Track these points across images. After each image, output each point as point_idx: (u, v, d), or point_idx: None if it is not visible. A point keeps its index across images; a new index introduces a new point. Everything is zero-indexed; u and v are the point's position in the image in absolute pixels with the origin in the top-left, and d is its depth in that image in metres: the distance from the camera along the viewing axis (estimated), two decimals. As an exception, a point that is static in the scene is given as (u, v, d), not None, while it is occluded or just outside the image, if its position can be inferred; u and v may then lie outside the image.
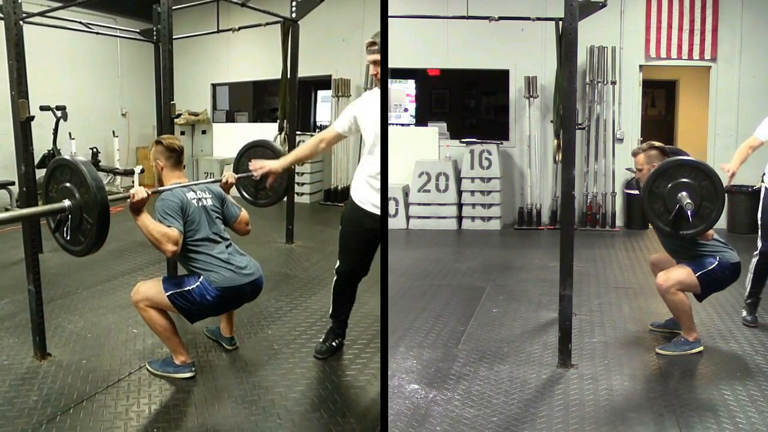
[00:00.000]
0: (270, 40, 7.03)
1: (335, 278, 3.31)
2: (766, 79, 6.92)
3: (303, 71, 6.25)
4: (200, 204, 3.03)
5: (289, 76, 6.14)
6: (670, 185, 3.24)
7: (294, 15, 5.85)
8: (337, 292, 3.34)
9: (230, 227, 3.23)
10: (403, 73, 9.35)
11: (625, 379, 3.15)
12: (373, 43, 2.95)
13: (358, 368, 3.23)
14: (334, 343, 3.37)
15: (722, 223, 7.28)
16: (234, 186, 3.47)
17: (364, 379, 3.13)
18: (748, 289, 3.98)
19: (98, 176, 2.51)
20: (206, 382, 3.05)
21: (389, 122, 8.67)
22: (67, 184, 2.52)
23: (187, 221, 2.92)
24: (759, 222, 3.95)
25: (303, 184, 8.62)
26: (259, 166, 3.14)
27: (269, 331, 3.71)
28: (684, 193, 3.19)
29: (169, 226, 2.81)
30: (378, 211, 3.10)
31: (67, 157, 2.60)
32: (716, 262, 3.40)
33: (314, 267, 5.15)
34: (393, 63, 7.32)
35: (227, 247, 3.05)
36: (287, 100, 6.26)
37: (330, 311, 3.41)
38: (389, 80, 8.77)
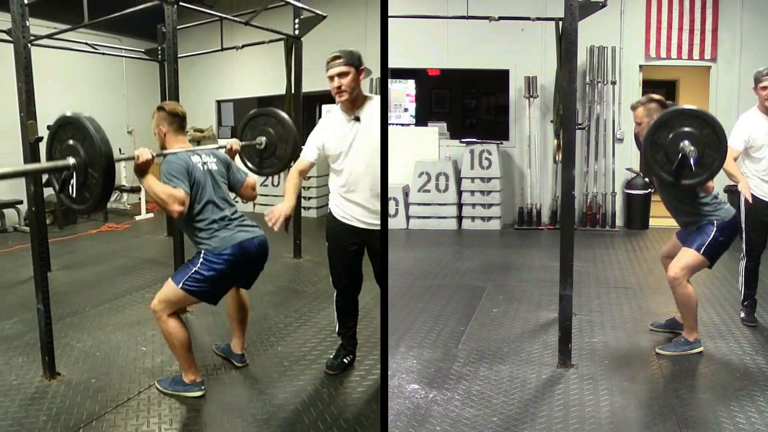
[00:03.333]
0: (274, 57, 7.01)
1: (335, 293, 3.29)
2: (766, 79, 6.91)
3: (307, 86, 6.22)
4: (205, 168, 2.98)
5: (293, 91, 6.14)
6: (671, 135, 3.18)
7: (297, 32, 5.85)
8: (338, 306, 3.30)
9: (237, 193, 3.18)
10: (403, 73, 9.35)
11: (625, 379, 3.15)
12: (336, 57, 2.90)
13: (370, 384, 3.17)
14: (345, 360, 3.32)
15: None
16: (238, 155, 3.41)
17: (377, 395, 3.08)
18: (742, 292, 3.99)
19: (102, 131, 2.45)
20: (216, 400, 2.99)
21: (389, 122, 8.66)
22: (71, 142, 2.46)
23: (193, 184, 2.87)
24: (742, 225, 3.96)
25: (309, 198, 8.53)
26: (274, 218, 2.94)
27: (279, 347, 3.65)
28: (686, 142, 3.13)
29: (175, 187, 2.76)
30: (359, 224, 3.08)
31: (68, 113, 2.51)
32: (715, 228, 3.37)
33: (322, 282, 5.03)
34: (393, 63, 7.33)
35: (233, 213, 3.00)
36: (292, 115, 6.24)
37: (337, 328, 3.35)
38: (389, 80, 8.77)
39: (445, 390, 3.05)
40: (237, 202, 3.26)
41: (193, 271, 2.87)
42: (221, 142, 3.22)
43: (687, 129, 3.16)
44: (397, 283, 5.06)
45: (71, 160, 2.46)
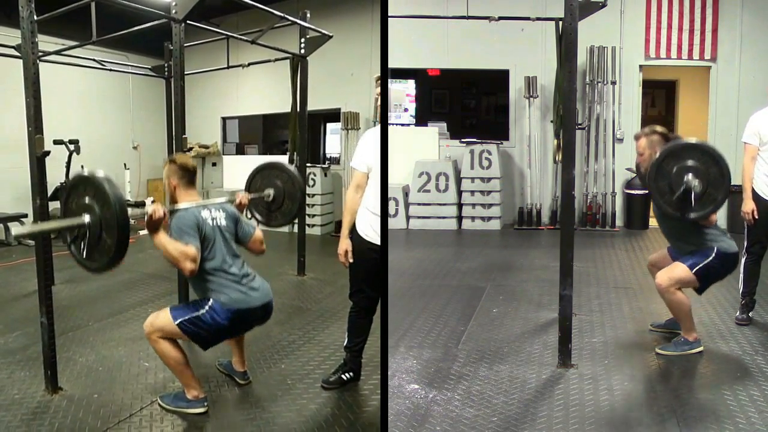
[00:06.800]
0: (279, 75, 7.00)
1: (351, 305, 3.26)
2: (766, 79, 6.93)
3: (312, 104, 6.19)
4: (215, 223, 2.98)
5: (298, 109, 6.12)
6: (677, 166, 3.20)
7: (303, 51, 5.85)
8: (352, 320, 3.26)
9: (245, 247, 3.17)
10: (403, 73, 9.35)
11: (625, 379, 3.15)
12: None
13: (375, 404, 3.11)
14: (344, 376, 3.25)
15: (722, 222, 7.31)
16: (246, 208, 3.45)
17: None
18: (741, 289, 4.00)
19: (121, 195, 2.43)
20: (219, 417, 2.94)
21: (389, 122, 8.66)
22: (88, 200, 2.44)
23: (203, 240, 2.87)
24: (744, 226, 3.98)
25: (314, 215, 8.45)
26: (342, 259, 3.12)
27: (282, 365, 3.58)
28: (691, 176, 3.16)
29: (186, 244, 2.75)
30: (378, 240, 3.07)
31: (85, 173, 2.52)
32: (713, 255, 3.38)
33: (327, 299, 4.98)
34: (393, 63, 7.33)
35: (240, 268, 3.00)
36: (297, 133, 6.22)
37: (345, 342, 3.31)
38: (389, 80, 8.77)
39: (445, 390, 3.05)
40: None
41: (195, 315, 2.86)
42: (227, 189, 3.22)
43: (694, 163, 3.19)
44: (397, 283, 5.06)
45: (86, 219, 2.45)
